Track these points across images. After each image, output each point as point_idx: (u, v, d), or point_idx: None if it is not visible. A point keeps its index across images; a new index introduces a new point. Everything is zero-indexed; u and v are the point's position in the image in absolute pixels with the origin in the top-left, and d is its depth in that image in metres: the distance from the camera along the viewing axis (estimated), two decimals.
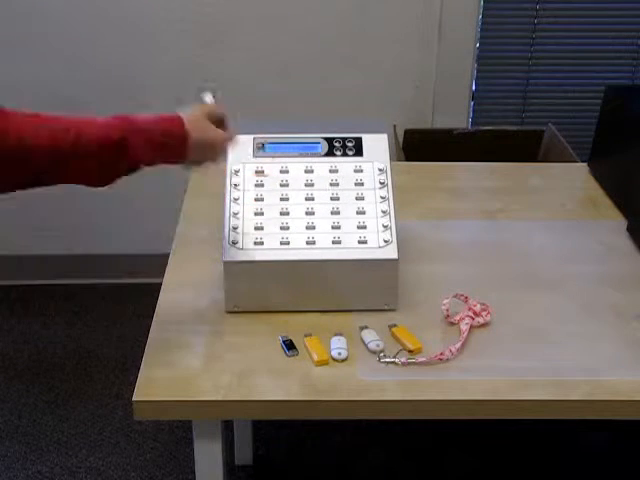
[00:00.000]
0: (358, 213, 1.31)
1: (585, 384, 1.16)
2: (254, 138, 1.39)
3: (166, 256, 1.46)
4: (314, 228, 1.30)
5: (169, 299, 1.34)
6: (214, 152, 1.23)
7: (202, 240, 1.47)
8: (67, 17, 2.40)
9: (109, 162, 1.09)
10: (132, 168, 1.13)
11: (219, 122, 1.23)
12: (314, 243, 1.28)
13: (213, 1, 2.40)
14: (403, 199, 1.40)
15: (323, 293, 1.29)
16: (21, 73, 2.46)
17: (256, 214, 1.31)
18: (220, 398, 1.13)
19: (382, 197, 1.33)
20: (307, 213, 1.32)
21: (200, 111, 1.21)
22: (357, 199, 1.33)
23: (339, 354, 1.20)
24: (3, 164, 1.01)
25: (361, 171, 1.36)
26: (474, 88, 2.58)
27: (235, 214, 1.31)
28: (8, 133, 1.00)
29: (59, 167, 1.06)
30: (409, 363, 1.19)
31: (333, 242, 1.28)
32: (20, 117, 1.03)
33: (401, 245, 1.29)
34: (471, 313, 1.27)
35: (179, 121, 1.16)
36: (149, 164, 1.14)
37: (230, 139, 1.26)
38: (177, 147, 1.16)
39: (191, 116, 1.18)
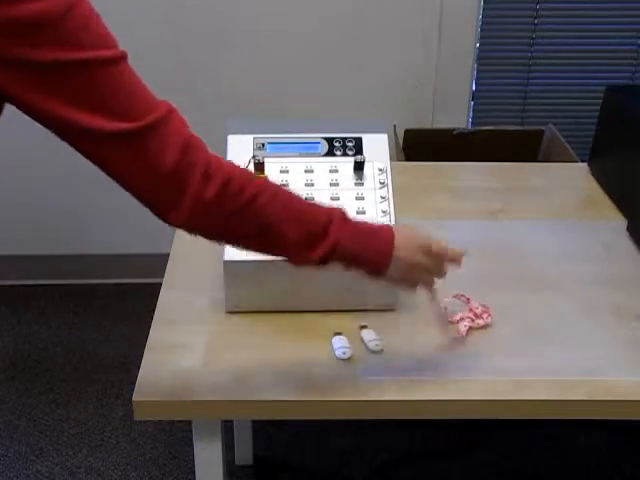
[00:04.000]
0: (358, 213, 1.31)
1: (585, 384, 1.16)
2: (254, 138, 1.39)
3: (166, 256, 1.46)
4: None
5: (169, 299, 1.34)
6: (414, 277, 1.13)
7: (202, 240, 1.46)
8: None
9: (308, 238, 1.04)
10: (327, 256, 1.05)
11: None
12: None
13: (213, 1, 2.40)
14: (403, 199, 1.40)
15: (323, 293, 1.29)
16: None
17: None
18: (220, 398, 1.13)
19: (382, 197, 1.33)
20: None
21: (416, 234, 1.13)
22: (357, 199, 1.33)
23: (344, 353, 1.20)
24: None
25: (361, 171, 1.36)
26: (474, 88, 2.58)
27: None
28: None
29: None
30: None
31: None
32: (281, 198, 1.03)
33: None
34: (472, 315, 1.27)
35: (389, 232, 1.10)
36: (347, 257, 1.07)
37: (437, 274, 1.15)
38: (376, 256, 1.09)
39: (405, 233, 1.11)
